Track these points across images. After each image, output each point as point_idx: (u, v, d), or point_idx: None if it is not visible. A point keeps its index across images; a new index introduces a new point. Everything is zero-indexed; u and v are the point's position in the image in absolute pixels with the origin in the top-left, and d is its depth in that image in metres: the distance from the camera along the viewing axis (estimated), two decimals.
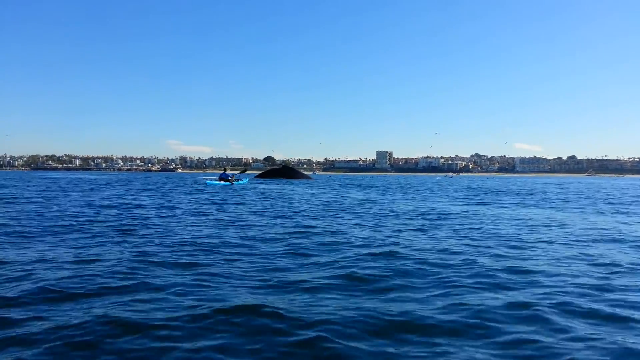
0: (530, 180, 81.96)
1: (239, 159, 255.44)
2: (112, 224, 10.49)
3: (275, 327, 3.86)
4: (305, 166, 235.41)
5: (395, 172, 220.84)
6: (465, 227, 10.82)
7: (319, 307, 4.41)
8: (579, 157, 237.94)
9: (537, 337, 3.72)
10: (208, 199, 19.56)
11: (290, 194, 25.62)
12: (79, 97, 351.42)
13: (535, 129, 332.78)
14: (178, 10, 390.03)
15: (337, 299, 4.69)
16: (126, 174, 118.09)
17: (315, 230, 9.89)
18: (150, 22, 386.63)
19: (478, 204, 19.20)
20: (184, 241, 8.06)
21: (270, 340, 3.62)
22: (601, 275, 5.87)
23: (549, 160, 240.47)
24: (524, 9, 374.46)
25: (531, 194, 27.63)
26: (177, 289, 4.95)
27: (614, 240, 8.91)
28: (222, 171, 38.05)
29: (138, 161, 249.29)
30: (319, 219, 12.23)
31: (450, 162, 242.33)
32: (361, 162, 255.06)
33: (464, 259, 6.68)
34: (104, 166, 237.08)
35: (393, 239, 8.61)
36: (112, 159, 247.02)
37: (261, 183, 42.76)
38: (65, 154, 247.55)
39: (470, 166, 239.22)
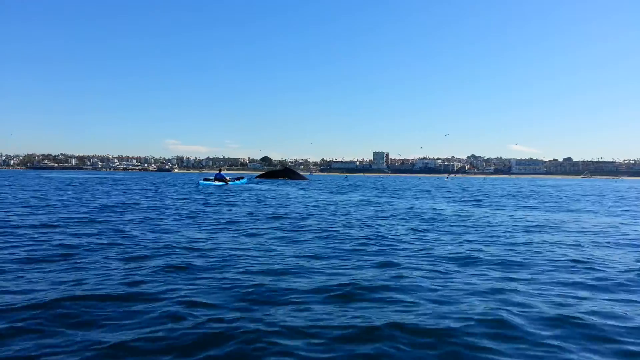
0: (554, 183, 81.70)
1: (236, 159, 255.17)
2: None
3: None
4: (302, 166, 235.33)
5: (391, 172, 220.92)
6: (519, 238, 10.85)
7: None
8: (574, 159, 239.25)
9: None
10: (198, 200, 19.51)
11: (284, 195, 25.61)
12: (75, 96, 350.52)
13: (532, 130, 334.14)
14: (177, 9, 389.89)
15: None
16: (122, 174, 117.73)
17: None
18: (148, 21, 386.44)
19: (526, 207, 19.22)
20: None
21: None
22: None
23: (545, 162, 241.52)
24: (519, 9, 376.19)
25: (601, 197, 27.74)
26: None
27: None
28: (217, 171, 38.03)
29: (134, 161, 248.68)
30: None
31: (446, 163, 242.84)
32: (358, 163, 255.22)
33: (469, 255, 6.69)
34: (100, 165, 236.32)
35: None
36: (108, 159, 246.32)
37: (257, 184, 42.85)
38: (61, 153, 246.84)
39: (467, 167, 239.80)
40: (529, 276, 6.01)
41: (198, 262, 6.52)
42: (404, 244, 8.52)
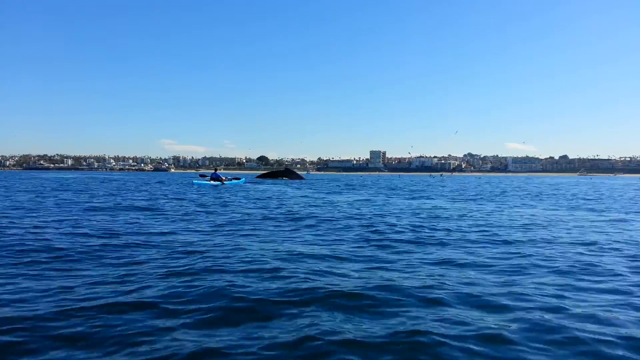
0: (552, 181, 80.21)
1: (233, 159, 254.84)
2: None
3: None
4: (299, 166, 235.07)
5: (388, 171, 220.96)
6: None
7: None
8: (570, 157, 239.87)
9: None
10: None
11: (280, 194, 25.49)
12: (71, 96, 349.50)
13: (528, 128, 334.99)
14: (176, 9, 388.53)
15: None
16: (118, 174, 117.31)
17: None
18: (146, 21, 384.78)
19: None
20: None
21: None
22: None
23: (541, 159, 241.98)
24: (516, 7, 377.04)
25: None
26: None
27: None
28: (214, 171, 37.80)
29: (131, 161, 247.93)
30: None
31: (443, 161, 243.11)
32: (355, 162, 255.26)
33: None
34: (96, 166, 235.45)
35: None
36: (104, 159, 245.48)
37: (255, 183, 42.78)
38: (57, 154, 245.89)
39: (463, 166, 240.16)
40: None
41: (197, 265, 6.35)
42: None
